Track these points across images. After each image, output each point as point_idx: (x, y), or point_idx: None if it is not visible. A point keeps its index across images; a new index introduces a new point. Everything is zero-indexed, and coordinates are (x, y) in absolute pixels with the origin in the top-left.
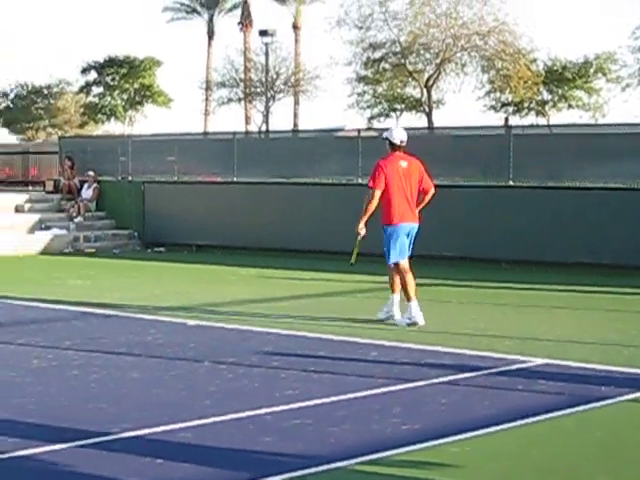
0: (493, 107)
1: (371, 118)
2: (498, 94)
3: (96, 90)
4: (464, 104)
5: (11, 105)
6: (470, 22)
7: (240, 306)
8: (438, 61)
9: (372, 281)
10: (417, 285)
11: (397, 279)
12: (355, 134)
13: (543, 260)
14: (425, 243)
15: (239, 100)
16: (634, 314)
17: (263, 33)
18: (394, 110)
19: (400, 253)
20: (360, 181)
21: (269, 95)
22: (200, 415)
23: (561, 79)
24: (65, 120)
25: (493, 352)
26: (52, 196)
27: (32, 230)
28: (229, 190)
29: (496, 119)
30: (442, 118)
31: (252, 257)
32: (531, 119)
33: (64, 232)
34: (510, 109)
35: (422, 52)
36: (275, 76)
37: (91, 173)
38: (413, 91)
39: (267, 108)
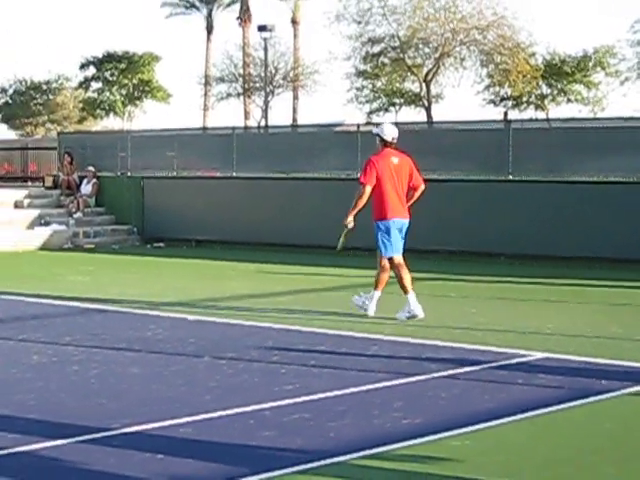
0: (492, 101)
1: (370, 113)
2: (497, 88)
3: (95, 85)
4: (463, 98)
5: (10, 101)
6: (469, 16)
7: (240, 301)
8: (437, 55)
9: (372, 275)
10: (418, 280)
11: (384, 275)
12: (354, 129)
13: (543, 254)
14: (425, 238)
15: (238, 95)
16: (634, 307)
17: (262, 28)
18: (393, 105)
19: (395, 247)
20: (359, 176)
21: (268, 90)
22: (200, 410)
23: (560, 73)
24: (64, 116)
25: (493, 346)
26: (51, 192)
27: (31, 226)
28: (228, 185)
29: (495, 113)
30: (441, 113)
31: (251, 252)
32: (530, 113)
33: (63, 228)
34: (509, 103)
35: (421, 46)
36: (274, 71)
37: (91, 168)
38: (412, 85)
39: (266, 103)
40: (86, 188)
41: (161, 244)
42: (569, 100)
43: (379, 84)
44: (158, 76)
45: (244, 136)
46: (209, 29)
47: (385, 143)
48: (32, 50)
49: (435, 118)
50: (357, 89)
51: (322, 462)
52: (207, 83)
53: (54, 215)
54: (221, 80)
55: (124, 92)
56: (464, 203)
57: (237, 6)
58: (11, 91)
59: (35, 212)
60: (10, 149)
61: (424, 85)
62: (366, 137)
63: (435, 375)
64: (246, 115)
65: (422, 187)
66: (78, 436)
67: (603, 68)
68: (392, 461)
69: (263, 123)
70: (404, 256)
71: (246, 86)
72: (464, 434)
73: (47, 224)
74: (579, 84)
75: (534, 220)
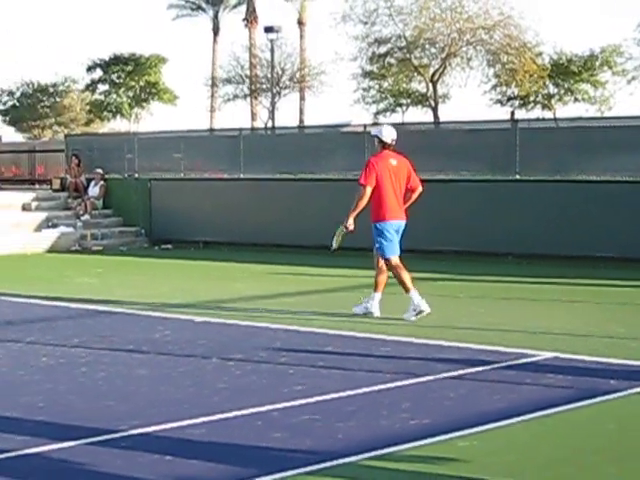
0: (499, 101)
1: (377, 113)
2: (504, 88)
3: (102, 88)
4: (470, 98)
5: (17, 103)
6: (475, 16)
7: (248, 302)
8: (444, 55)
9: None
10: (425, 280)
11: (383, 277)
12: (361, 129)
13: (551, 254)
14: (432, 238)
15: (245, 96)
16: None
17: (268, 29)
18: (400, 105)
19: (394, 249)
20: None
21: (275, 91)
22: (208, 412)
23: (567, 72)
24: (71, 118)
25: (501, 346)
26: (59, 194)
27: (39, 228)
28: (235, 186)
29: (502, 113)
30: (448, 113)
31: (259, 253)
32: (537, 113)
33: (71, 230)
34: (516, 103)
35: (427, 47)
36: (280, 72)
37: (99, 171)
38: (419, 86)
39: (273, 104)
40: (93, 190)
41: (169, 246)
42: (576, 99)
43: (386, 85)
44: (165, 78)
45: (251, 137)
46: (215, 31)
47: (384, 145)
48: (39, 53)
49: (442, 118)
50: (364, 90)
51: (331, 463)
52: (214, 85)
53: (62, 217)
54: (228, 81)
55: (131, 94)
56: (471, 203)
57: (243, 7)
58: (18, 94)
59: (43, 215)
60: (17, 152)
61: (431, 85)
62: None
63: (443, 375)
64: (253, 116)
65: (419, 189)
66: (86, 438)
67: (610, 67)
68: (400, 462)
69: (270, 124)
70: (401, 256)
71: (253, 87)
72: (472, 434)
73: (55, 226)
74: (586, 83)
75: (541, 220)
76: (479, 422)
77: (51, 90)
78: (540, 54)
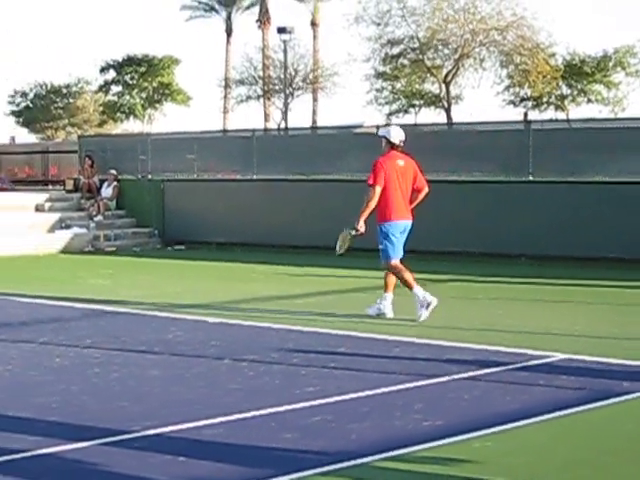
0: (512, 102)
1: (390, 114)
2: (517, 89)
3: (115, 89)
4: (483, 99)
5: (30, 105)
6: (488, 17)
7: (260, 303)
8: (456, 56)
9: None
10: (439, 282)
11: (392, 277)
12: (374, 130)
13: (564, 255)
14: (445, 239)
15: (258, 97)
16: None
17: (281, 30)
18: (413, 106)
19: (397, 251)
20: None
21: (288, 92)
22: (221, 413)
23: (580, 73)
24: (84, 119)
25: (515, 347)
26: (72, 195)
27: (52, 229)
28: (249, 187)
29: (515, 114)
30: (461, 114)
31: (272, 254)
32: (550, 114)
33: (84, 231)
34: (529, 104)
35: (440, 48)
36: (293, 73)
37: (113, 172)
38: (432, 87)
39: (286, 105)
40: (107, 191)
41: (182, 247)
42: (589, 100)
43: (398, 85)
44: (178, 79)
45: (264, 138)
46: (228, 32)
47: (392, 145)
48: (52, 54)
49: (455, 119)
50: (377, 90)
51: (344, 464)
52: (227, 86)
53: (75, 218)
54: (241, 82)
55: (144, 95)
56: (484, 204)
57: (256, 9)
58: (31, 95)
59: (56, 215)
60: (31, 153)
61: (444, 86)
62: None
63: (456, 377)
64: (266, 117)
65: (426, 189)
66: (99, 438)
67: (623, 68)
68: (413, 463)
69: (283, 125)
70: (405, 257)
71: (266, 88)
72: (485, 436)
73: (68, 227)
74: (599, 84)
75: (555, 221)
76: (493, 423)
77: (64, 91)
78: (553, 55)
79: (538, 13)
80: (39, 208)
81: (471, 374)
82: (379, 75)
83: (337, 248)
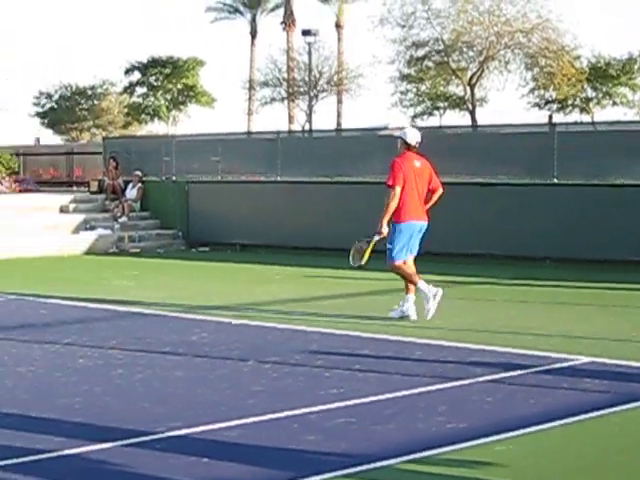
0: (537, 105)
1: (414, 116)
2: (542, 91)
3: (140, 90)
4: (508, 102)
5: (55, 106)
6: (513, 19)
7: (284, 305)
8: (481, 59)
9: None
10: (463, 284)
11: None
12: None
13: (589, 258)
14: (470, 242)
15: (282, 99)
16: None
17: (306, 32)
18: (437, 108)
19: (405, 252)
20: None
21: (312, 94)
22: (245, 414)
23: (605, 76)
24: (109, 121)
25: (538, 350)
26: (96, 196)
27: (77, 230)
28: (273, 189)
29: (540, 117)
30: (486, 116)
31: (296, 256)
32: (575, 116)
33: (108, 232)
34: (554, 106)
35: (465, 50)
36: (318, 75)
37: (138, 173)
38: (456, 89)
39: (310, 107)
40: (131, 192)
41: (206, 248)
42: (614, 103)
43: (423, 88)
44: (202, 81)
45: (288, 140)
46: (253, 34)
47: (408, 147)
48: (77, 55)
49: (480, 122)
50: (401, 93)
51: (367, 466)
52: (251, 87)
53: (99, 220)
54: (265, 84)
55: (169, 97)
56: (509, 207)
57: (281, 11)
58: (56, 96)
59: (80, 217)
60: (56, 154)
61: (468, 89)
62: None
63: (480, 379)
64: (290, 119)
65: (440, 190)
66: (123, 439)
67: None
68: (436, 465)
69: (307, 127)
70: (417, 259)
71: (290, 90)
72: (508, 439)
73: (92, 229)
74: (624, 87)
75: (580, 224)
76: (516, 426)
77: (89, 93)
78: (578, 57)
79: (563, 15)
80: (63, 209)
81: (495, 377)
82: (404, 77)
83: (351, 261)
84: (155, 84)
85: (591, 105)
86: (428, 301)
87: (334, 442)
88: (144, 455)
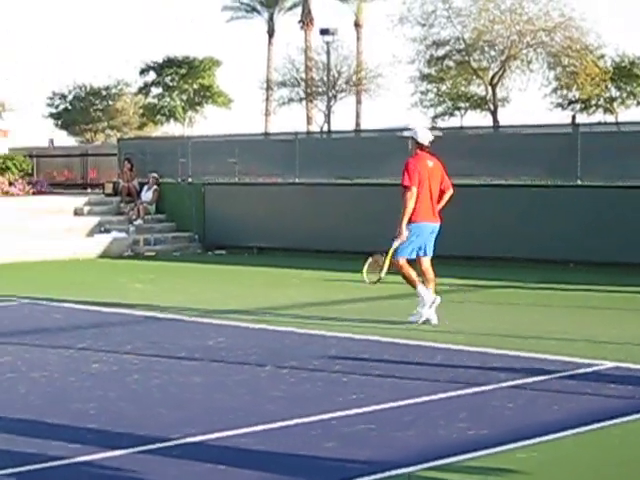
0: (560, 105)
1: (435, 117)
2: (565, 91)
3: (155, 91)
4: (530, 102)
5: (70, 107)
6: (535, 18)
7: (302, 309)
8: (503, 58)
9: (437, 283)
10: (486, 288)
11: (429, 277)
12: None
13: (613, 261)
14: (491, 245)
15: (300, 100)
16: None
17: (324, 32)
18: (458, 109)
19: (411, 252)
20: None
21: (331, 94)
22: (263, 420)
23: (629, 75)
24: (124, 122)
25: (561, 355)
26: (111, 199)
27: (91, 233)
28: (291, 191)
29: (563, 117)
30: (508, 117)
31: (314, 260)
32: (599, 117)
33: (123, 235)
34: (577, 107)
35: (487, 49)
36: (337, 75)
37: (154, 175)
38: (477, 89)
39: (329, 108)
40: (146, 195)
41: (222, 251)
42: (639, 103)
43: (444, 88)
44: (219, 81)
45: (307, 141)
46: (270, 33)
47: (420, 146)
48: (92, 56)
49: (501, 122)
50: (421, 93)
51: (387, 473)
52: (269, 88)
53: (114, 222)
54: (283, 85)
55: (184, 97)
56: (531, 209)
57: (299, 9)
58: (71, 97)
59: (95, 219)
60: (70, 156)
61: (490, 88)
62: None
63: (502, 385)
64: (308, 120)
65: (450, 191)
66: (139, 446)
67: None
68: (458, 472)
69: (326, 128)
70: (434, 259)
71: (308, 90)
72: (531, 446)
73: (107, 231)
74: None
75: (603, 226)
76: (539, 433)
77: (104, 93)
78: (602, 57)
79: (586, 14)
80: (78, 212)
81: (516, 382)
82: (424, 77)
83: (366, 278)
84: (171, 84)
85: (615, 105)
86: (423, 306)
87: (354, 449)
88: (159, 462)
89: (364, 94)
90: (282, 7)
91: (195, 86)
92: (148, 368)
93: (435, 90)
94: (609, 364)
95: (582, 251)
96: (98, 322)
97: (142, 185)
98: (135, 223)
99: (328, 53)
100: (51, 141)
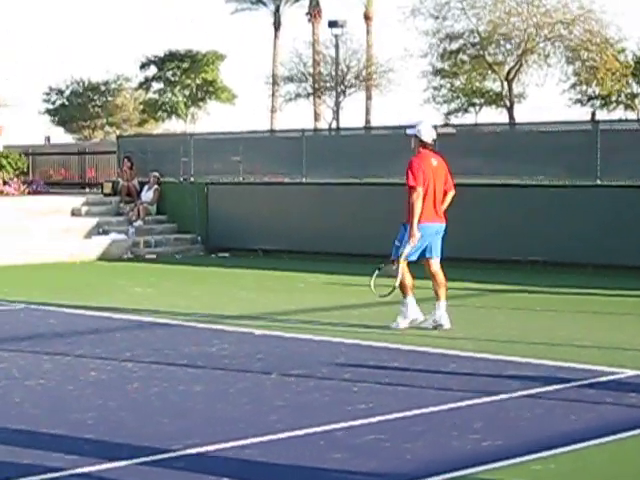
0: (579, 101)
1: (448, 114)
2: (584, 87)
3: (156, 86)
4: (548, 98)
5: (67, 103)
6: (553, 10)
7: (309, 314)
8: (519, 52)
9: (450, 287)
10: (501, 292)
11: (442, 285)
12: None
13: (633, 265)
14: (507, 247)
15: (307, 95)
16: None
17: (333, 24)
18: (473, 105)
19: (412, 253)
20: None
21: (339, 90)
22: (267, 431)
23: None
24: (123, 118)
25: (579, 363)
26: (110, 199)
27: (89, 235)
28: (298, 191)
29: (582, 114)
30: (524, 113)
31: (322, 262)
32: (619, 113)
33: (123, 237)
34: (597, 103)
35: (502, 43)
36: (345, 70)
37: (156, 174)
38: (493, 84)
39: (337, 104)
40: (147, 195)
41: (226, 254)
42: None
43: (458, 83)
44: (222, 76)
45: (314, 139)
46: (277, 25)
47: (424, 144)
48: (90, 49)
49: (518, 119)
50: (434, 88)
51: None
52: (275, 83)
53: (113, 223)
54: (289, 80)
55: (187, 93)
56: (548, 210)
57: (306, 1)
58: (68, 92)
59: (93, 220)
60: (67, 154)
61: (506, 84)
62: (443, 139)
63: (517, 394)
64: (316, 117)
65: (453, 192)
66: (138, 457)
67: None
68: None
69: (334, 125)
70: (442, 262)
71: (316, 86)
72: (548, 457)
73: (106, 233)
74: None
75: (624, 228)
76: (556, 444)
77: (102, 88)
78: (623, 50)
79: (607, 6)
80: (75, 212)
81: (533, 391)
82: (437, 72)
83: (373, 291)
84: (172, 79)
85: (637, 101)
86: (403, 317)
87: (363, 460)
88: (160, 474)
89: (374, 89)
90: None
91: (198, 81)
92: (148, 376)
93: (448, 85)
94: (630, 372)
95: (601, 254)
96: (96, 327)
97: (142, 185)
98: (135, 224)
99: (337, 47)
100: (47, 138)
